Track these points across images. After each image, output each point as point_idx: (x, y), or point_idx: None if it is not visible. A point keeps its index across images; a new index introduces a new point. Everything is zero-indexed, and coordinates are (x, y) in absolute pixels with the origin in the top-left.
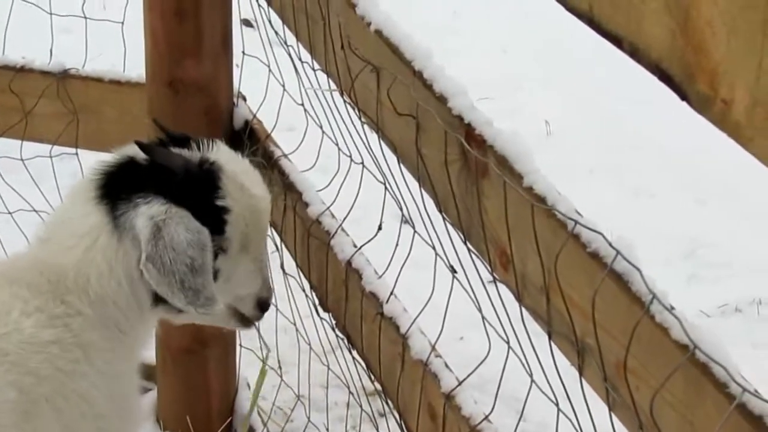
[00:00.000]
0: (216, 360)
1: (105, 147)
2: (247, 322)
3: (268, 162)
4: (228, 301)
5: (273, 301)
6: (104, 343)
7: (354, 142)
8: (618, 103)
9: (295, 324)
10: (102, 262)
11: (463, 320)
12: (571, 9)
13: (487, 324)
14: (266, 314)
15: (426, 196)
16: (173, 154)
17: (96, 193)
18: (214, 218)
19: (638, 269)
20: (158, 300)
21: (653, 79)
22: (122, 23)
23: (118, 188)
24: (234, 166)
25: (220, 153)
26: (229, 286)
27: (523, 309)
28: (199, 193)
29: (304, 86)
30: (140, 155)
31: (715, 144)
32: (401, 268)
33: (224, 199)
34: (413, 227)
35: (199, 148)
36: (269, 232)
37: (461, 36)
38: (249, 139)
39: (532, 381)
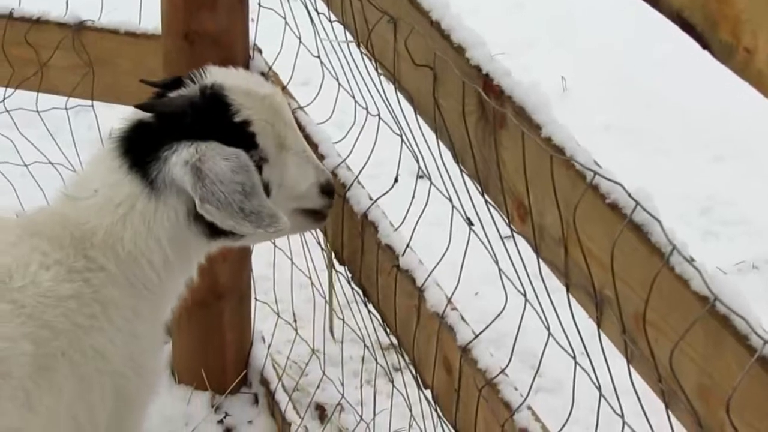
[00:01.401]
0: (231, 313)
1: (120, 99)
2: (319, 216)
3: None
4: (291, 206)
5: (289, 255)
6: (126, 300)
7: (370, 94)
8: (635, 62)
9: (310, 278)
10: (140, 224)
11: (480, 275)
12: None
13: (504, 278)
14: (282, 267)
15: (443, 148)
16: (173, 98)
17: (121, 161)
18: (241, 136)
19: (658, 220)
20: (216, 232)
21: (669, 40)
22: None
23: (140, 152)
24: (232, 79)
25: (214, 75)
26: (286, 191)
27: (541, 262)
28: (215, 119)
29: (320, 38)
30: (146, 116)
31: (732, 102)
32: (417, 221)
33: (240, 113)
34: (430, 180)
35: (193, 81)
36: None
37: None
38: None
39: (550, 335)
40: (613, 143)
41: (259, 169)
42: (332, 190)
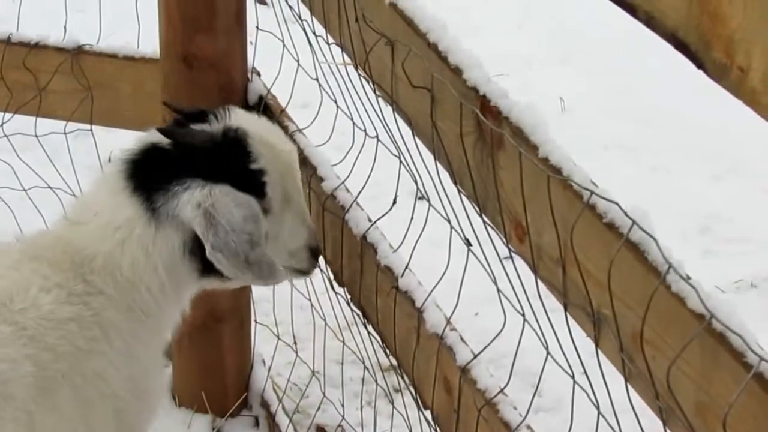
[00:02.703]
0: (231, 336)
1: (120, 123)
2: (303, 273)
3: None
4: (281, 260)
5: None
6: (125, 324)
7: (369, 116)
8: (633, 80)
9: (310, 300)
10: (138, 250)
11: (479, 296)
12: None
13: (502, 298)
14: (282, 290)
15: (441, 169)
16: (195, 131)
17: (126, 183)
18: (253, 183)
19: (654, 238)
20: (207, 270)
21: (668, 57)
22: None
23: (148, 177)
24: (256, 127)
25: (240, 118)
26: (279, 246)
27: (539, 281)
28: (233, 163)
29: (318, 60)
30: (162, 140)
31: (732, 118)
32: (416, 242)
33: (257, 162)
34: (428, 201)
35: (217, 119)
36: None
37: (473, 14)
38: (263, 114)
39: (548, 354)
40: (612, 161)
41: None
42: (319, 254)
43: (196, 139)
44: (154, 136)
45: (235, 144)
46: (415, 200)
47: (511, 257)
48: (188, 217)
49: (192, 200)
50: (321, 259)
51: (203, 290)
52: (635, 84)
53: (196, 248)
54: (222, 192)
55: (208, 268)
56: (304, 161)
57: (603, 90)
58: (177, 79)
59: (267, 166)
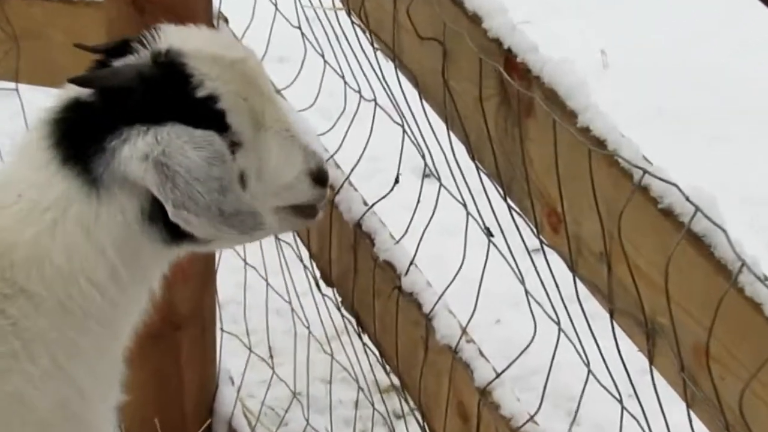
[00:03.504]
0: (191, 347)
1: (53, 81)
2: (309, 212)
3: None
4: (274, 202)
5: (263, 274)
6: (58, 331)
7: (364, 74)
8: (686, 33)
9: (290, 303)
10: (75, 232)
11: (502, 298)
12: None
13: (531, 301)
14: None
15: (455, 141)
16: (117, 69)
17: (51, 154)
18: (207, 115)
19: (723, 229)
20: (177, 236)
21: (724, 9)
22: None
23: (77, 140)
24: (193, 42)
25: (170, 36)
26: (267, 182)
27: (578, 281)
28: (174, 95)
29: (301, 4)
30: (84, 92)
31: None
32: (424, 231)
33: (205, 86)
34: (439, 180)
35: (144, 46)
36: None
37: None
38: None
39: (589, 372)
40: (665, 131)
41: (232, 156)
42: (326, 177)
43: (120, 78)
44: (72, 91)
45: (171, 69)
46: (423, 179)
47: (542, 250)
48: (136, 174)
49: (135, 152)
50: (304, 252)
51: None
52: (690, 38)
53: (157, 212)
54: (172, 133)
55: (177, 233)
56: None
57: (652, 42)
58: (124, 26)
59: (218, 89)
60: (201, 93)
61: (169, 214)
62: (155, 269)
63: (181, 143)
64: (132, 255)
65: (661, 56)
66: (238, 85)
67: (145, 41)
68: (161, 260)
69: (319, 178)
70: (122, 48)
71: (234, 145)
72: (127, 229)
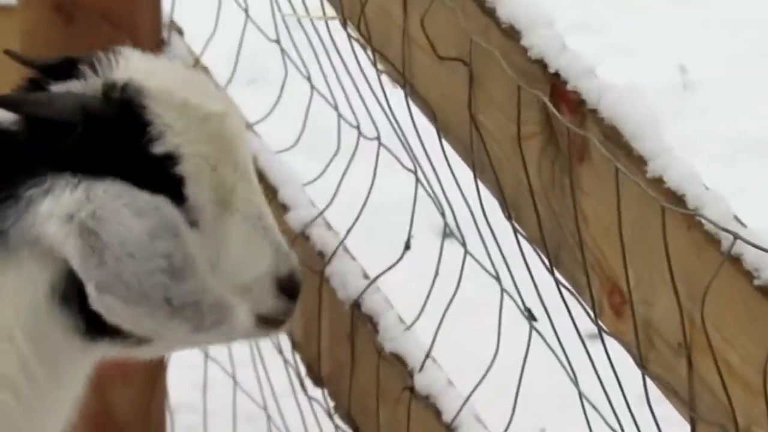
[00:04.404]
0: None
1: None
2: (272, 324)
3: None
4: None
5: (230, 369)
6: None
7: (364, 104)
8: None
9: (265, 408)
10: None
11: (547, 400)
12: None
13: (586, 405)
14: (217, 390)
15: (485, 192)
16: (56, 96)
17: None
18: (161, 178)
19: None
20: (100, 330)
21: None
22: None
23: None
24: (160, 78)
25: (131, 65)
26: (222, 277)
27: (648, 379)
28: (123, 144)
29: (280, 11)
30: (6, 117)
31: None
32: (444, 313)
33: (165, 141)
34: (463, 245)
35: (95, 71)
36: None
37: None
38: None
39: None
40: (763, 171)
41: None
42: (296, 289)
43: (57, 107)
44: None
45: (123, 111)
46: (442, 242)
47: (601, 339)
48: (54, 238)
49: (57, 209)
50: (285, 341)
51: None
52: None
53: (72, 292)
54: (109, 192)
55: (98, 325)
56: (258, 177)
57: (744, 54)
58: (47, 37)
59: (182, 147)
60: (158, 148)
61: (90, 298)
62: (73, 369)
63: (119, 206)
64: (46, 344)
65: (757, 72)
66: (209, 147)
67: (96, 65)
68: (78, 359)
69: (288, 288)
70: (65, 68)
71: (189, 224)
72: (38, 308)
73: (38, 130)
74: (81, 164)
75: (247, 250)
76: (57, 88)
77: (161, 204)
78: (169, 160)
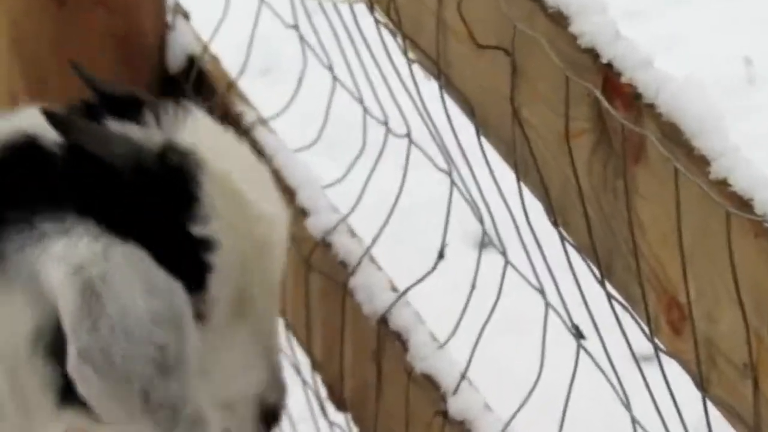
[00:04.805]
0: None
1: None
2: None
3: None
4: (210, 413)
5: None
6: None
7: (393, 98)
8: None
9: None
10: None
11: (597, 427)
12: None
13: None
14: None
15: (528, 196)
16: (112, 136)
17: None
18: (190, 259)
19: None
20: (69, 396)
21: None
22: None
23: (5, 190)
24: (225, 158)
25: (198, 131)
26: (210, 385)
27: (709, 403)
28: (162, 212)
29: None
30: (44, 132)
31: None
32: (482, 329)
33: (206, 223)
34: (504, 254)
35: (158, 121)
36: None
37: None
38: (196, 90)
39: None
40: None
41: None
42: (276, 421)
43: (111, 149)
44: (30, 121)
45: (177, 178)
46: (480, 252)
47: (657, 358)
48: (52, 283)
49: (68, 255)
50: (304, 360)
51: None
52: None
53: (53, 346)
54: (127, 256)
55: (68, 391)
56: (274, 178)
57: None
58: (38, 25)
59: (223, 237)
60: (198, 229)
61: (69, 361)
62: (44, 428)
63: (133, 277)
64: (21, 386)
65: None
66: (249, 247)
67: (162, 115)
68: (50, 419)
69: (269, 418)
70: (128, 104)
71: (197, 317)
72: (18, 345)
73: (79, 162)
74: (110, 215)
75: (244, 366)
76: (113, 124)
77: (176, 291)
78: (205, 244)
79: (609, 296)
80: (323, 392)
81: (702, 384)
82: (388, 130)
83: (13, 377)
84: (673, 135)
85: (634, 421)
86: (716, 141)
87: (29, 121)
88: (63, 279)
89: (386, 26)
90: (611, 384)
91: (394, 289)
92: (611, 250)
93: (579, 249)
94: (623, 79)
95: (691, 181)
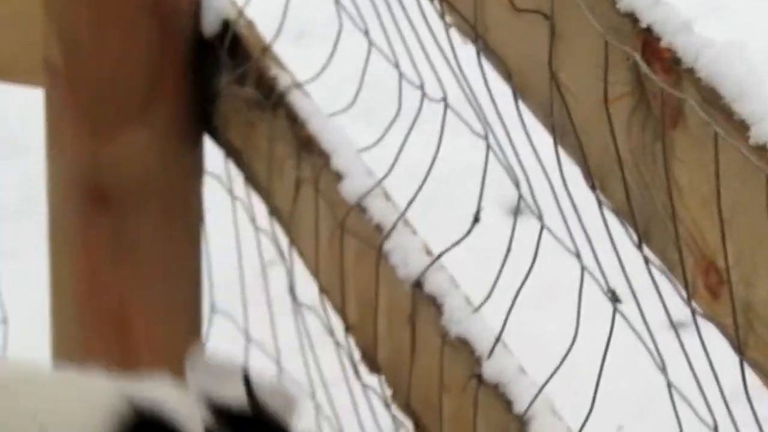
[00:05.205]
0: None
1: None
2: None
3: (267, 97)
4: None
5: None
6: None
7: (429, 62)
8: None
9: (314, 397)
10: None
11: (631, 393)
12: None
13: (677, 397)
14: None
15: (566, 161)
16: None
17: None
18: None
19: None
20: None
21: None
22: None
23: None
24: None
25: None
26: None
27: (747, 369)
28: None
29: None
30: (168, 411)
31: None
32: (517, 293)
33: None
34: (540, 219)
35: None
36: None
37: None
38: (231, 55)
39: None
40: None
41: None
42: None
43: None
44: (159, 390)
45: None
46: (515, 217)
47: (695, 324)
48: None
49: None
50: (337, 322)
51: None
52: None
53: None
54: None
55: None
56: (308, 143)
57: None
58: None
59: None
60: None
61: None
62: None
63: None
64: None
65: None
66: None
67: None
68: None
69: None
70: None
71: None
72: None
73: None
74: None
75: None
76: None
77: None
78: None
79: (646, 260)
80: (357, 355)
81: (740, 348)
82: (424, 95)
83: None
84: (713, 99)
85: (669, 385)
86: (757, 105)
87: (153, 392)
88: None
89: None
90: (647, 348)
91: (429, 252)
92: (649, 215)
93: (617, 213)
94: (662, 44)
95: (731, 145)
